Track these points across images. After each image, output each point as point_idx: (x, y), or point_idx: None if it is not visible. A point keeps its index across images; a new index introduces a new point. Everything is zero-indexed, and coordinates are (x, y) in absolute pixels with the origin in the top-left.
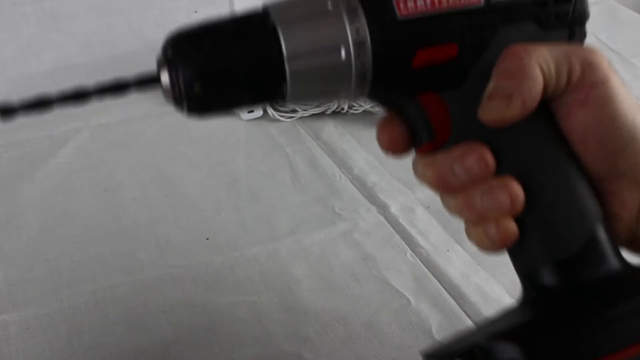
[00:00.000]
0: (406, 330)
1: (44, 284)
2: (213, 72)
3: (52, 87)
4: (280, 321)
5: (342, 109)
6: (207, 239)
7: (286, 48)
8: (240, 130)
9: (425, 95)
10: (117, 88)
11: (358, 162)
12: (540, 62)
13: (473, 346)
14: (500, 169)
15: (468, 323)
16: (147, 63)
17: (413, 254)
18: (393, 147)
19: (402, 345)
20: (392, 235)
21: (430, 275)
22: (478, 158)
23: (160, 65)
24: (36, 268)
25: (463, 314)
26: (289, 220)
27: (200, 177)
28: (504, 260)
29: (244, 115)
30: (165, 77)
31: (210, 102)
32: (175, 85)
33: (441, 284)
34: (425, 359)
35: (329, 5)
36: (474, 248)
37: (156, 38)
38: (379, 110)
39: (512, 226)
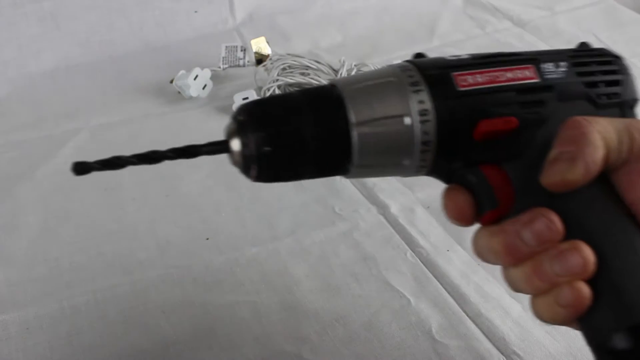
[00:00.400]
0: (406, 330)
1: (44, 284)
2: (282, 138)
3: (52, 87)
4: (280, 321)
5: None
6: (207, 239)
7: (352, 114)
8: None
9: (486, 165)
10: (189, 153)
11: None
12: (601, 130)
13: None
14: (568, 234)
15: (468, 323)
16: (147, 63)
17: (413, 254)
18: (460, 217)
19: (402, 345)
20: (392, 235)
21: (430, 275)
22: (547, 222)
23: (230, 132)
24: (36, 268)
25: (463, 314)
26: (289, 220)
27: (200, 177)
28: None
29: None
30: (235, 144)
31: (278, 170)
32: (244, 151)
33: (441, 284)
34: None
35: (393, 78)
36: None
37: (156, 38)
38: None
39: (585, 289)
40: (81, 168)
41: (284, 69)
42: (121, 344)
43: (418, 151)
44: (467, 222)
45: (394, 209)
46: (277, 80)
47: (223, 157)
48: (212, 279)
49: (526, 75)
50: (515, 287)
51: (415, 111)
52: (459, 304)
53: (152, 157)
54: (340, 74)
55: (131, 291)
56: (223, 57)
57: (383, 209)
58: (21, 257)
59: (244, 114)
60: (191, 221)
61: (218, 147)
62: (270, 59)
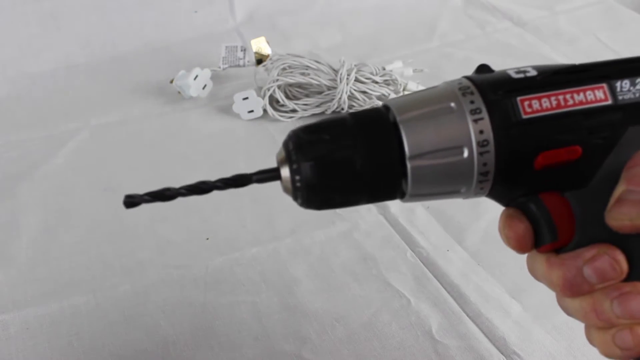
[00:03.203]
0: (406, 330)
1: (44, 284)
2: (332, 166)
3: (52, 87)
4: (280, 321)
5: (342, 109)
6: (207, 239)
7: (408, 146)
8: (240, 130)
9: (547, 194)
10: (239, 182)
11: None
12: None
13: None
14: (631, 274)
15: (468, 323)
16: (147, 63)
17: (413, 254)
18: (518, 247)
19: (402, 345)
20: (392, 235)
21: (430, 275)
22: (611, 261)
23: (280, 160)
24: (36, 268)
25: (463, 314)
26: (289, 220)
27: (200, 177)
28: (504, 260)
29: (244, 115)
30: (285, 171)
31: (328, 196)
32: (294, 177)
33: (441, 284)
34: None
35: (453, 104)
36: (473, 248)
37: (156, 38)
38: None
39: None
40: (131, 202)
41: (284, 69)
42: (121, 344)
43: (476, 181)
44: (525, 251)
45: (394, 209)
46: (277, 80)
47: (223, 158)
48: (212, 279)
49: (597, 97)
50: (569, 314)
51: (474, 142)
52: (459, 304)
53: (201, 188)
54: (340, 74)
55: (131, 291)
56: (223, 57)
57: (383, 209)
58: (21, 257)
59: (293, 142)
60: (191, 221)
61: (268, 175)
62: (270, 59)
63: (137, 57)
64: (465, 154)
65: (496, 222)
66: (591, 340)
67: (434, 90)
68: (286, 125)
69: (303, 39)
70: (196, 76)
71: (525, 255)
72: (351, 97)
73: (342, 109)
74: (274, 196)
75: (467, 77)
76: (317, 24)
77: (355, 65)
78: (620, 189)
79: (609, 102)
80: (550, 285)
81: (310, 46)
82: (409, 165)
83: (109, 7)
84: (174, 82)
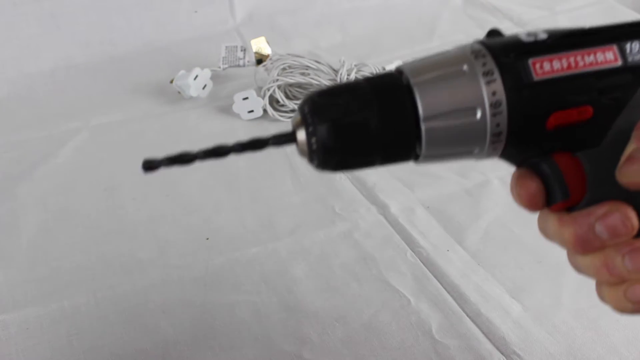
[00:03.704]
0: (406, 330)
1: (44, 284)
2: (348, 128)
3: (52, 87)
4: (280, 321)
5: None
6: (207, 239)
7: (422, 108)
8: (240, 130)
9: (559, 154)
10: (255, 145)
11: None
12: None
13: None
14: None
15: (468, 323)
16: (147, 63)
17: (413, 254)
18: (530, 205)
19: (402, 345)
20: (392, 235)
21: (430, 275)
22: (623, 218)
23: (296, 123)
24: (36, 268)
25: (463, 314)
26: (289, 220)
27: (200, 177)
28: (504, 260)
29: (244, 115)
30: (301, 134)
31: (344, 158)
32: (310, 141)
33: (441, 284)
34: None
35: (465, 67)
36: (473, 248)
37: (156, 38)
38: None
39: None
40: (150, 166)
41: (284, 69)
42: (121, 344)
43: (489, 142)
44: (536, 209)
45: (394, 209)
46: (277, 80)
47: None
48: (212, 279)
49: (607, 58)
50: (580, 272)
51: (487, 104)
52: (459, 304)
53: (219, 152)
54: (340, 74)
55: (131, 291)
56: (223, 57)
57: (383, 209)
58: (21, 257)
59: (309, 105)
60: (191, 221)
61: (284, 139)
62: (270, 59)
63: (137, 57)
64: (478, 115)
65: (496, 223)
66: (602, 297)
67: (446, 53)
68: (286, 125)
69: (303, 39)
70: (196, 76)
71: (524, 254)
72: None
73: None
74: (274, 196)
75: (479, 41)
76: (317, 24)
77: (355, 65)
78: (630, 147)
79: (619, 63)
80: (562, 242)
81: (310, 46)
82: (423, 126)
83: (109, 7)
84: (174, 82)
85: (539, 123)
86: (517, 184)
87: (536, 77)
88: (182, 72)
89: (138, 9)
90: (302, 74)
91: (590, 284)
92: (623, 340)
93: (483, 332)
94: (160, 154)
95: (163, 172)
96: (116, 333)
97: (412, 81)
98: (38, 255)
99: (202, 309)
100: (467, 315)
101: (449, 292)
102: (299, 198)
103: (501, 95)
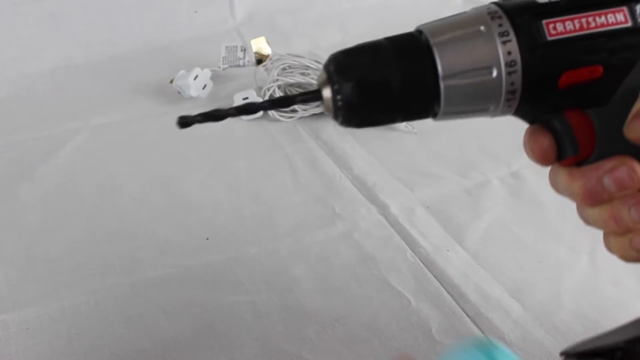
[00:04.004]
0: (406, 330)
1: (44, 284)
2: (371, 86)
3: (52, 87)
4: (280, 321)
5: None
6: (207, 239)
7: (441, 67)
8: (240, 130)
9: (570, 111)
10: (283, 103)
11: (358, 162)
12: None
13: (614, 347)
14: None
15: (468, 323)
16: (147, 63)
17: (413, 254)
18: (541, 159)
19: (402, 345)
20: (392, 235)
21: (430, 275)
22: (630, 171)
23: (321, 82)
24: (36, 268)
25: (463, 314)
26: (289, 220)
27: (200, 177)
28: (504, 260)
29: (244, 115)
30: (326, 92)
31: (367, 115)
32: (335, 98)
33: (441, 284)
34: (564, 356)
35: (482, 27)
36: (473, 248)
37: (156, 38)
38: None
39: None
40: (184, 122)
41: (284, 69)
42: (121, 344)
43: (504, 99)
44: (547, 164)
45: (394, 209)
46: (277, 80)
47: (223, 158)
48: (212, 279)
49: (618, 20)
50: (588, 223)
51: (502, 63)
52: (459, 304)
53: (249, 109)
54: None
55: (131, 291)
56: (223, 57)
57: (383, 209)
58: (21, 257)
59: (334, 64)
60: (191, 221)
61: (311, 96)
62: (270, 59)
63: (137, 57)
64: (494, 73)
65: (496, 223)
66: (609, 247)
67: (463, 15)
68: (286, 125)
69: (303, 39)
70: (196, 76)
71: (524, 254)
72: None
73: None
74: (274, 196)
75: (495, 3)
76: (317, 24)
77: None
78: (638, 105)
79: (629, 24)
80: (572, 195)
81: (310, 46)
82: (442, 84)
83: (109, 7)
84: (174, 82)
85: (551, 81)
86: (530, 139)
87: (549, 38)
88: (182, 72)
89: (138, 9)
90: (302, 74)
91: (590, 283)
92: None
93: (483, 332)
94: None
95: (163, 172)
96: (116, 333)
97: (432, 41)
98: (38, 255)
99: (202, 309)
100: (467, 315)
101: (449, 292)
102: (299, 198)
103: (516, 54)
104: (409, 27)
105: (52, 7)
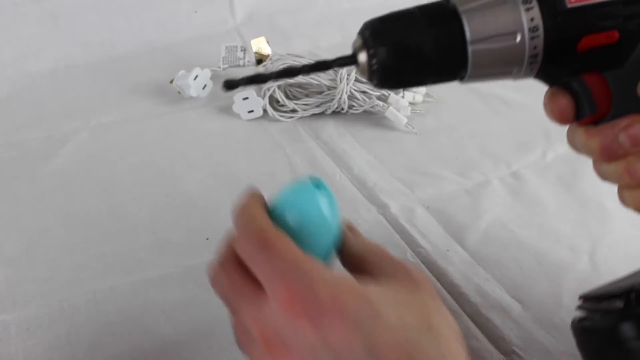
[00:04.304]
0: None
1: (44, 284)
2: (404, 50)
3: (52, 87)
4: None
5: (342, 109)
6: (207, 239)
7: (469, 32)
8: (240, 130)
9: (588, 74)
10: (321, 66)
11: (358, 162)
12: None
13: (629, 289)
14: None
15: (468, 323)
16: (147, 63)
17: (413, 254)
18: (561, 118)
19: None
20: (392, 235)
21: (430, 275)
22: None
23: (357, 47)
24: (36, 268)
25: (463, 313)
26: None
27: (200, 177)
28: (504, 260)
29: (244, 115)
30: (362, 56)
31: (400, 77)
32: (371, 62)
33: (441, 284)
34: (583, 300)
35: None
36: (473, 248)
37: (156, 38)
38: (378, 111)
39: None
40: (230, 85)
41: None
42: (121, 344)
43: (527, 63)
44: (566, 123)
45: (394, 209)
46: (277, 80)
47: (223, 158)
48: None
49: None
50: (604, 178)
51: (526, 28)
52: (459, 304)
53: (289, 72)
54: (341, 74)
55: (131, 291)
56: (223, 57)
57: (383, 209)
58: (21, 257)
59: (369, 30)
60: (191, 221)
61: (347, 60)
62: (270, 59)
63: (137, 57)
64: (518, 38)
65: (496, 223)
66: (624, 200)
67: None
68: (286, 125)
69: (303, 39)
70: (196, 76)
71: (524, 254)
72: (351, 97)
73: (342, 108)
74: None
75: None
76: (317, 24)
77: None
78: None
79: None
80: (589, 152)
81: (310, 46)
82: (469, 49)
83: (109, 7)
84: (174, 82)
85: (570, 46)
86: (550, 100)
87: (569, 5)
88: (182, 72)
89: (138, 9)
90: None
91: (590, 283)
92: None
93: (483, 332)
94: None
95: (163, 172)
96: (116, 333)
97: (460, 9)
98: (38, 255)
99: (202, 309)
100: (467, 315)
101: (449, 292)
102: None
103: (538, 21)
104: None
105: (52, 7)
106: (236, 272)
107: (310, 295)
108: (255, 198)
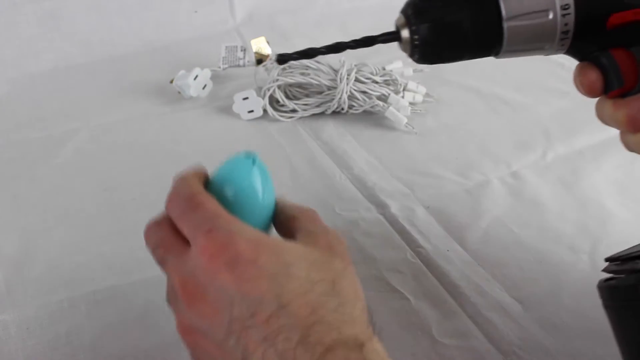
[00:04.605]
0: (406, 330)
1: (44, 284)
2: (444, 26)
3: (52, 87)
4: None
5: (342, 109)
6: None
7: (505, 10)
8: (240, 130)
9: (616, 49)
10: (367, 42)
11: (358, 162)
12: None
13: None
14: None
15: (468, 323)
16: (147, 63)
17: (413, 254)
18: (590, 92)
19: (402, 345)
20: (392, 235)
21: (430, 275)
22: None
23: (400, 24)
24: (36, 268)
25: (463, 314)
26: None
27: None
28: (504, 260)
29: (244, 115)
30: (405, 32)
31: (440, 52)
32: (413, 37)
33: (441, 284)
34: (609, 261)
35: None
36: (473, 248)
37: (156, 38)
38: (378, 111)
39: None
40: (282, 59)
41: (284, 69)
42: (121, 343)
43: (558, 39)
44: (595, 96)
45: (394, 208)
46: (277, 80)
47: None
48: None
49: None
50: (630, 149)
51: (558, 6)
52: (459, 304)
53: (337, 47)
54: (340, 74)
55: (131, 291)
56: (223, 57)
57: (383, 209)
58: (21, 257)
59: (412, 9)
60: None
61: (391, 37)
62: (270, 59)
63: (137, 57)
64: (551, 15)
65: (496, 223)
66: None
67: None
68: (286, 125)
69: (303, 39)
70: (196, 76)
71: (524, 254)
72: (351, 97)
73: (342, 109)
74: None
75: None
76: (317, 24)
77: (355, 65)
78: None
79: None
80: (616, 123)
81: (310, 46)
82: (505, 25)
83: (109, 7)
84: (174, 82)
85: (600, 23)
86: (579, 74)
87: None
88: (182, 72)
89: (138, 9)
90: (302, 74)
91: (590, 283)
92: None
93: (483, 332)
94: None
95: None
96: (116, 333)
97: None
98: (38, 255)
99: None
100: (467, 315)
101: (449, 292)
102: (299, 198)
103: None
104: None
105: (52, 7)
106: (166, 229)
107: (230, 245)
108: (195, 171)
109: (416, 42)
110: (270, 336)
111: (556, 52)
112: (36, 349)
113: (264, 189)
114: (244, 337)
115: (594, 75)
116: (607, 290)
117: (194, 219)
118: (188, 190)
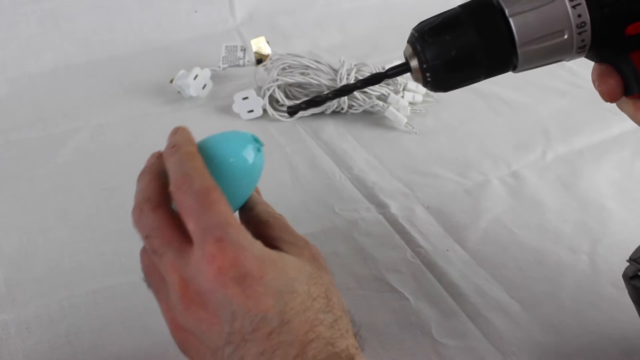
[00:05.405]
0: (406, 330)
1: (44, 284)
2: (457, 62)
3: (52, 87)
4: None
5: (342, 109)
6: None
7: (518, 36)
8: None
9: (635, 53)
10: (376, 79)
11: (358, 162)
12: None
13: None
14: None
15: (468, 323)
16: (147, 63)
17: (413, 254)
18: (609, 97)
19: (402, 345)
20: (392, 235)
21: (430, 275)
22: None
23: (409, 56)
24: (36, 268)
25: (463, 314)
26: (288, 220)
27: None
28: (504, 260)
29: (244, 115)
30: (414, 63)
31: (453, 83)
32: (425, 74)
33: (441, 284)
34: (631, 261)
35: None
36: (473, 248)
37: (156, 38)
38: (378, 110)
39: None
40: (292, 111)
41: (283, 68)
42: (121, 343)
43: (574, 52)
44: (614, 101)
45: (394, 208)
46: (277, 80)
47: None
48: None
49: None
50: None
51: (574, 25)
52: (458, 304)
53: (345, 90)
54: (340, 74)
55: (131, 291)
56: (223, 57)
57: (383, 209)
58: (21, 257)
59: (420, 43)
60: None
61: (401, 69)
62: (270, 58)
63: (137, 57)
64: (566, 35)
65: (496, 223)
66: None
67: None
68: (286, 125)
69: (303, 39)
70: (196, 76)
71: (524, 254)
72: (351, 96)
73: (342, 108)
74: (274, 196)
75: None
76: (317, 24)
77: (355, 65)
78: None
79: None
80: (637, 123)
81: (310, 46)
82: (519, 51)
83: (109, 7)
84: (174, 82)
85: (617, 33)
86: (598, 80)
87: None
88: (182, 72)
89: (138, 9)
90: (302, 73)
91: (590, 283)
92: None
93: (482, 332)
94: None
95: None
96: (116, 333)
97: (508, 12)
98: (37, 255)
99: None
100: (467, 315)
101: (449, 292)
102: (298, 198)
103: (585, 16)
104: (409, 28)
105: (52, 7)
106: (164, 217)
107: (239, 261)
108: (188, 136)
109: (428, 78)
110: (268, 351)
111: (573, 59)
112: (36, 349)
113: (253, 174)
114: (242, 348)
115: (613, 82)
116: (634, 289)
117: (205, 220)
118: (202, 182)
